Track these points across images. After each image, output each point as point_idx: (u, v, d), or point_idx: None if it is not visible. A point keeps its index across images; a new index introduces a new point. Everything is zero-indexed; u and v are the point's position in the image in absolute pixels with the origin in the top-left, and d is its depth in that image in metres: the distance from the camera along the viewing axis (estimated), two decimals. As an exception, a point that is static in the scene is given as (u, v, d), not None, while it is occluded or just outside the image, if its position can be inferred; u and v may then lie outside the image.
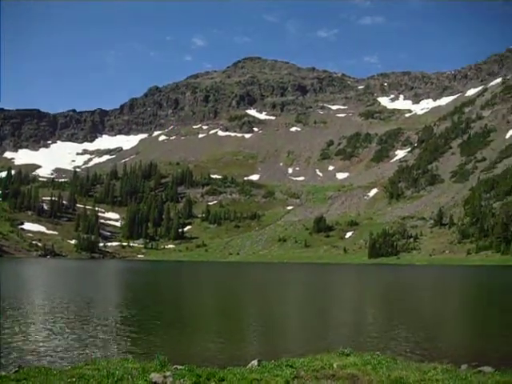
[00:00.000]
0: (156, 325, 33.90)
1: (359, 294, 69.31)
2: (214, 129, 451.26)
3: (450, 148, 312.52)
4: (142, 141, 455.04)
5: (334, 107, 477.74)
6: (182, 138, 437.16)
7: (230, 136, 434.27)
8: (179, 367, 15.86)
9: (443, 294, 68.02)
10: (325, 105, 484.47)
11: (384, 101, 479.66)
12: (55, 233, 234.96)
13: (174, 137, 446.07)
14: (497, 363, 21.07)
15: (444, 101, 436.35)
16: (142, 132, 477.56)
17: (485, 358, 23.83)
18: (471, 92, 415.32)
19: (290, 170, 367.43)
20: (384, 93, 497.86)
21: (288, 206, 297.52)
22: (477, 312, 49.65)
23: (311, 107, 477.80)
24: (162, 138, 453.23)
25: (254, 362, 17.28)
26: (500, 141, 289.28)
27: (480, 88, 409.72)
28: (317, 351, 20.41)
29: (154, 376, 13.97)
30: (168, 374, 14.26)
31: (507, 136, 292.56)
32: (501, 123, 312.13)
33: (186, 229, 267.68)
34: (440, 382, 15.72)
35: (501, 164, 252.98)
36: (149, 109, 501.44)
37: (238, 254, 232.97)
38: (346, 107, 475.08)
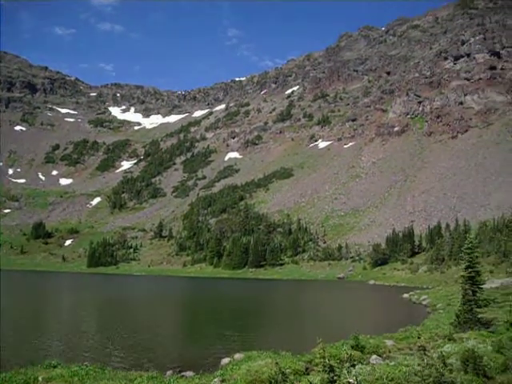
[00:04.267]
0: None
1: (73, 304, 67.25)
2: None
3: (174, 164, 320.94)
4: None
5: (64, 111, 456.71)
6: None
7: None
8: None
9: (158, 304, 70.53)
10: (54, 107, 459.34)
11: (115, 111, 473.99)
12: None
13: None
14: (198, 368, 23.74)
15: (173, 118, 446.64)
16: None
17: (188, 363, 26.22)
18: (198, 113, 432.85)
19: (11, 171, 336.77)
20: (116, 103, 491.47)
21: (6, 209, 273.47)
22: (185, 320, 53.46)
23: (39, 107, 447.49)
24: None
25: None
26: (219, 162, 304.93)
27: (206, 111, 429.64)
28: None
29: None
30: None
31: (226, 158, 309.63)
32: (221, 146, 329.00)
33: None
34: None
35: (219, 183, 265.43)
36: None
37: None
38: (76, 112, 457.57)
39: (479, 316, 34.95)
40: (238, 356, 25.82)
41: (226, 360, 25.94)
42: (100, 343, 33.08)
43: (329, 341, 27.10)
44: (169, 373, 22.81)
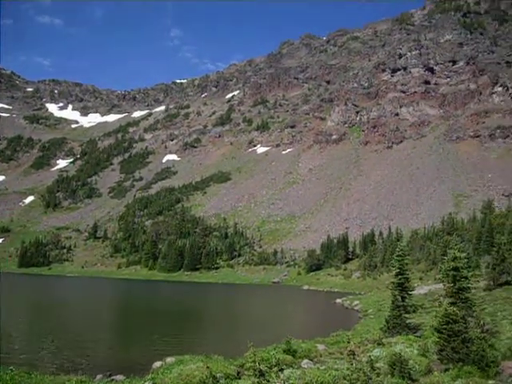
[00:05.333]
0: None
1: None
2: None
3: (111, 164, 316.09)
4: None
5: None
6: None
7: None
8: None
9: (90, 306, 69.77)
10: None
11: (52, 108, 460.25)
12: None
13: None
14: (129, 371, 23.19)
15: (111, 118, 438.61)
16: None
17: (119, 367, 25.78)
18: (137, 114, 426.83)
19: None
20: (53, 100, 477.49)
21: None
22: (117, 323, 52.92)
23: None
24: None
25: None
26: (157, 163, 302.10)
27: (145, 112, 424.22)
28: None
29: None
30: None
31: (164, 160, 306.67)
32: (160, 147, 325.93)
33: None
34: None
35: (156, 185, 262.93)
36: None
37: None
38: (10, 107, 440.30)
39: (407, 321, 36.03)
40: (169, 360, 25.60)
41: (157, 364, 25.71)
42: (28, 346, 32.11)
43: (262, 345, 27.29)
44: (99, 377, 22.62)
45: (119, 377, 22.69)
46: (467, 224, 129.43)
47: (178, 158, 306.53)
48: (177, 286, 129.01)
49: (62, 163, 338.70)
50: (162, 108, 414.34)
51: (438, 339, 20.40)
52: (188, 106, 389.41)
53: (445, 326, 19.65)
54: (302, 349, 27.60)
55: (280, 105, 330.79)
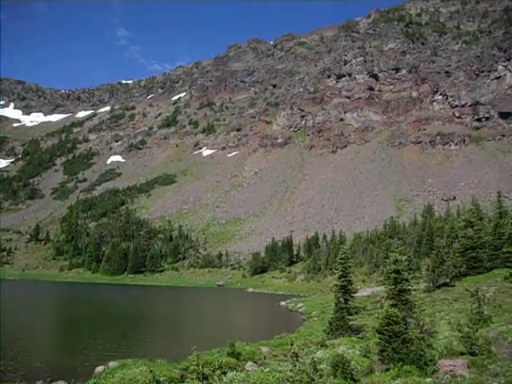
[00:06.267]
0: None
1: None
2: None
3: (54, 165, 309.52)
4: None
5: None
6: None
7: None
8: None
9: (29, 310, 67.46)
10: None
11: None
12: None
13: None
14: (70, 377, 22.69)
15: (55, 117, 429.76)
16: None
17: (61, 372, 25.09)
18: (82, 114, 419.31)
19: None
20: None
21: None
22: (59, 328, 51.40)
23: None
24: None
25: None
26: (101, 164, 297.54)
27: (90, 112, 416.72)
28: None
29: None
30: None
31: (108, 161, 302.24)
32: (104, 148, 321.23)
33: None
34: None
35: (100, 187, 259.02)
36: None
37: None
38: None
39: (350, 323, 36.74)
40: (112, 364, 25.33)
41: (100, 368, 25.35)
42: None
43: (207, 348, 27.27)
44: (39, 383, 22.41)
45: (60, 383, 22.47)
46: (408, 228, 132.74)
47: (123, 160, 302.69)
48: (121, 289, 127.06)
49: (2, 163, 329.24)
50: (107, 108, 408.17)
51: (379, 340, 20.86)
52: (134, 107, 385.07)
53: (386, 328, 20.13)
54: (246, 351, 27.69)
55: (226, 108, 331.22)
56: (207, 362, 21.71)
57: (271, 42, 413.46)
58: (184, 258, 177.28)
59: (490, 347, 22.88)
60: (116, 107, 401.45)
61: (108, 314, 64.71)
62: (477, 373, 18.77)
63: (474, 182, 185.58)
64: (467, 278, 63.65)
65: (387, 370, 19.65)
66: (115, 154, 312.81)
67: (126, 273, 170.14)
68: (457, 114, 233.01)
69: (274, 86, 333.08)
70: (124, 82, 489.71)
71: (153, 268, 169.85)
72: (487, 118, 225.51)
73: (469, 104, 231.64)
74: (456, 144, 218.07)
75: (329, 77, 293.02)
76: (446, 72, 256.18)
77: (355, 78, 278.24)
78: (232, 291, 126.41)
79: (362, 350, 24.48)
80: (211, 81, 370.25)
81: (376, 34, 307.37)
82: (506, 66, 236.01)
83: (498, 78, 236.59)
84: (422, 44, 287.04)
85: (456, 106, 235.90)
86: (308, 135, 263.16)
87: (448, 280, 64.53)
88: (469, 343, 22.94)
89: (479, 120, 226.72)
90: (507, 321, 33.06)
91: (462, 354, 22.39)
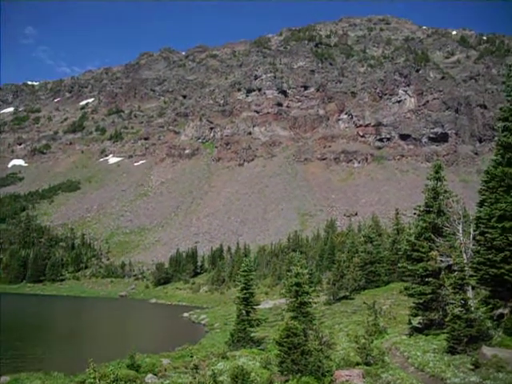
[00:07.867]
0: None
1: None
2: None
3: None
4: None
5: None
6: None
7: None
8: None
9: None
10: None
11: None
12: None
13: None
14: None
15: None
16: None
17: None
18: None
19: None
20: None
21: None
22: None
23: None
24: None
25: None
26: (2, 168, 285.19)
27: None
28: None
29: None
30: None
31: (10, 165, 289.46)
32: (6, 151, 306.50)
33: None
34: None
35: (0, 191, 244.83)
36: None
37: None
38: None
39: (252, 335, 37.21)
40: (3, 379, 24.21)
41: (-12, 384, 24.14)
42: None
43: (107, 360, 26.71)
44: None
45: None
46: (311, 242, 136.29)
47: (26, 164, 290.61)
48: (17, 299, 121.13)
49: None
50: (11, 110, 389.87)
51: (279, 352, 21.34)
52: (39, 110, 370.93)
53: (285, 339, 20.62)
54: (147, 363, 27.37)
55: (135, 116, 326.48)
56: (104, 374, 21.29)
57: (183, 53, 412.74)
58: (86, 268, 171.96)
59: (384, 357, 24.10)
60: (20, 109, 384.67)
61: (1, 325, 61.60)
62: (371, 382, 19.71)
63: (374, 199, 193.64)
64: (366, 292, 66.38)
65: (286, 381, 20.11)
66: (17, 157, 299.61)
67: (24, 282, 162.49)
68: (360, 133, 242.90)
69: (184, 97, 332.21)
70: (30, 83, 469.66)
71: (53, 277, 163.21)
72: (388, 139, 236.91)
73: (372, 124, 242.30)
74: (359, 162, 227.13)
75: (239, 90, 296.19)
76: (352, 92, 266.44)
77: (265, 93, 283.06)
78: (134, 302, 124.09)
79: (263, 361, 24.92)
80: (121, 88, 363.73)
81: (287, 52, 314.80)
82: (406, 91, 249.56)
83: (399, 101, 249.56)
84: (330, 64, 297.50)
85: (360, 126, 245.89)
86: (216, 147, 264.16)
87: (348, 293, 66.90)
88: (364, 354, 24.00)
89: (381, 140, 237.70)
90: (400, 332, 34.86)
91: (358, 364, 23.40)
